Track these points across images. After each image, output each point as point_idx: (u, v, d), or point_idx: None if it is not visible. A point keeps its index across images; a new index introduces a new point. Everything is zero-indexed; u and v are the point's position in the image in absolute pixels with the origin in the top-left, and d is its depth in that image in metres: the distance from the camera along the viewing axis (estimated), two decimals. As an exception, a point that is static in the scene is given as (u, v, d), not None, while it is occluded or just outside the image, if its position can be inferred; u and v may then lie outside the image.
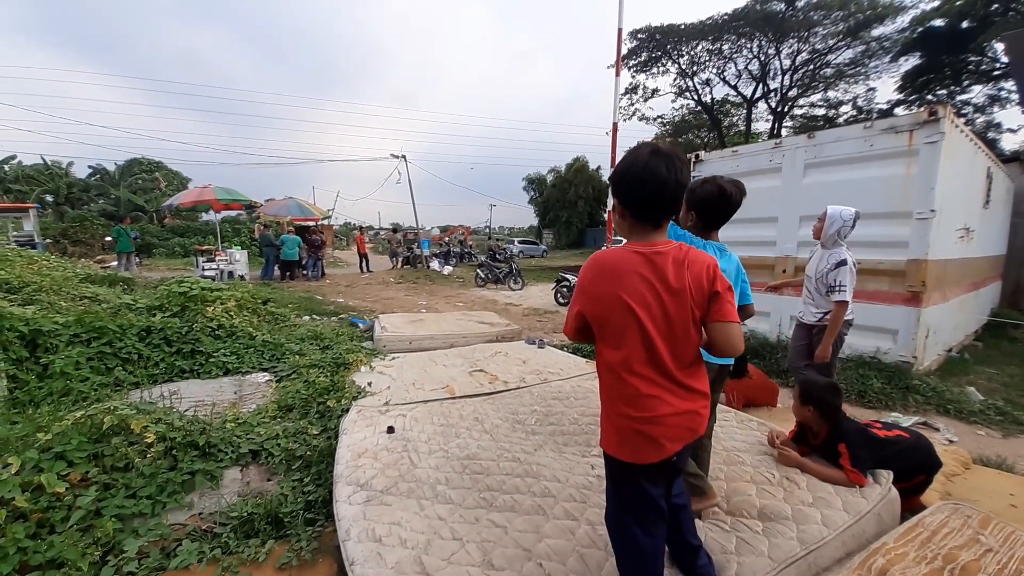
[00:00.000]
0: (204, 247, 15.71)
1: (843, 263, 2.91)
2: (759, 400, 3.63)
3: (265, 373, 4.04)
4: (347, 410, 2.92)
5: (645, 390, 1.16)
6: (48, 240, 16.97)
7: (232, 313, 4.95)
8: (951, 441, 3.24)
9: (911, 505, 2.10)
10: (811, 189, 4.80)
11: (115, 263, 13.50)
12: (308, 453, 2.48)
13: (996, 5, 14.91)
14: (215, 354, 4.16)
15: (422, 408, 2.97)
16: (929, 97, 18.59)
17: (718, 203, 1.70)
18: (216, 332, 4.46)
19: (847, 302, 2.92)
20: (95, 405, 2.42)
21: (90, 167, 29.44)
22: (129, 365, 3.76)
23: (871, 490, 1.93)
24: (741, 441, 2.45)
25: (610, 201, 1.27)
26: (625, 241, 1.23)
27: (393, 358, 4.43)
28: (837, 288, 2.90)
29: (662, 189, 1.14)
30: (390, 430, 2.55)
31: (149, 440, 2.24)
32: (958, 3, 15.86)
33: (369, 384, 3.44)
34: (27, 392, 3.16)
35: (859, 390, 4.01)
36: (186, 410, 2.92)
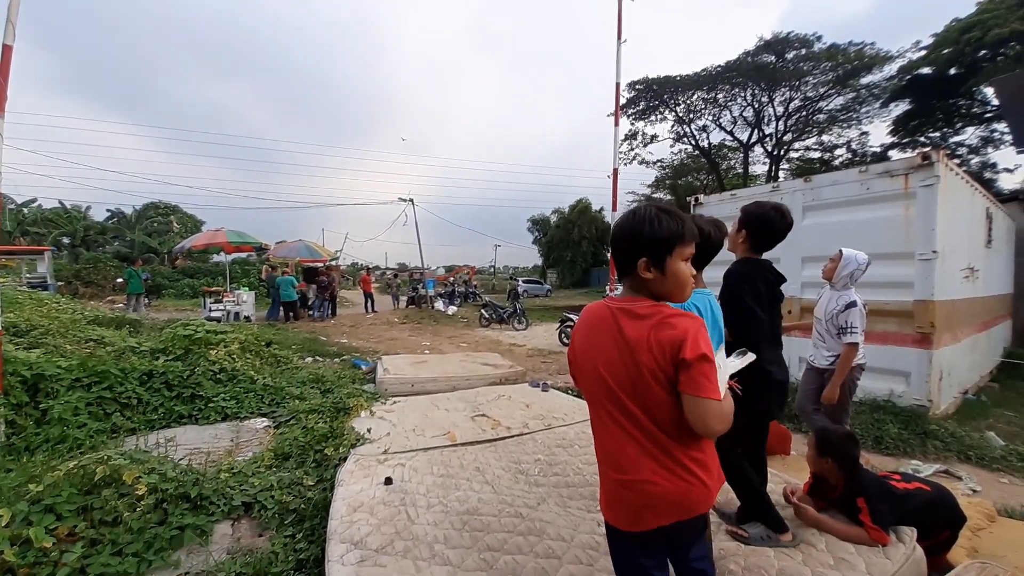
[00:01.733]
0: (212, 288, 15.92)
1: (853, 304, 2.89)
2: (773, 448, 3.49)
3: (264, 418, 3.97)
4: (345, 459, 2.84)
5: (622, 449, 1.13)
6: (60, 282, 17.27)
7: (235, 356, 4.93)
8: (975, 491, 3.09)
9: (938, 564, 1.97)
10: (811, 231, 4.84)
11: (124, 304, 13.66)
12: (302, 506, 2.39)
13: (984, 51, 15.48)
14: (215, 399, 4.12)
15: (422, 456, 2.89)
16: (922, 140, 19.07)
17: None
18: (218, 376, 4.43)
19: (858, 344, 2.87)
20: (89, 455, 2.37)
21: (108, 210, 30.49)
22: (128, 410, 3.72)
23: (895, 550, 1.81)
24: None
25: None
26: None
27: (394, 402, 4.35)
28: (848, 330, 2.87)
29: (617, 244, 1.18)
30: (388, 481, 2.47)
31: (140, 492, 2.18)
32: (945, 51, 16.53)
33: (368, 430, 3.36)
34: (24, 438, 3.12)
35: (875, 436, 3.87)
36: (181, 459, 2.86)
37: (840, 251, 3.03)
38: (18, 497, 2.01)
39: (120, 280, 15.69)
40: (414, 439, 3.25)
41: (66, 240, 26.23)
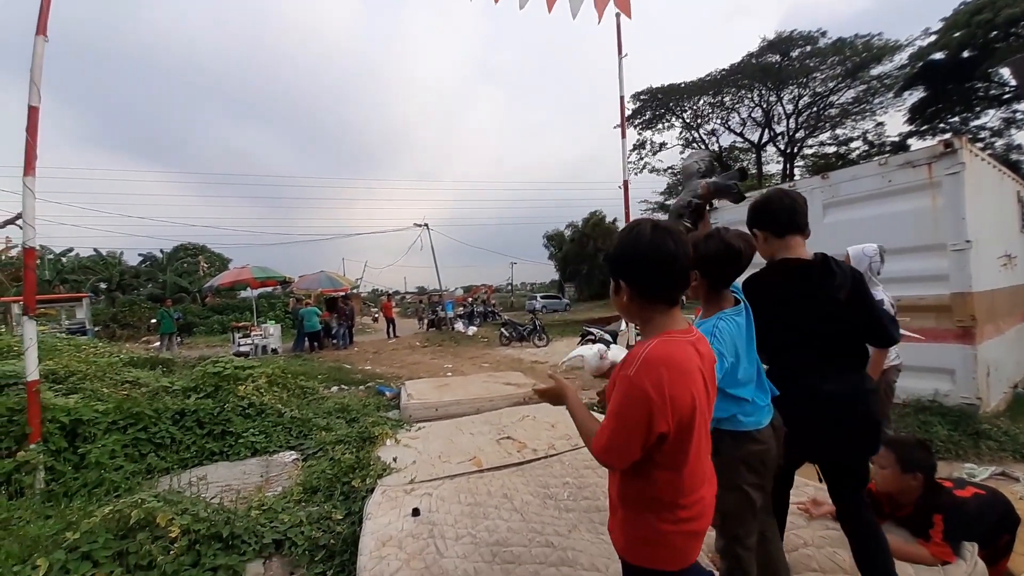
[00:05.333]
0: (241, 324, 16.37)
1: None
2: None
3: (292, 452, 4.01)
4: (372, 490, 2.83)
5: (698, 485, 1.08)
6: (98, 327, 18.02)
7: (263, 390, 5.02)
8: (1035, 492, 2.87)
9: (998, 572, 1.83)
10: (835, 228, 4.70)
11: (158, 343, 14.15)
12: (332, 542, 2.38)
13: (996, 32, 15.09)
14: (244, 434, 4.18)
15: (448, 485, 2.85)
16: (942, 126, 18.54)
17: (725, 261, 1.52)
18: (247, 411, 4.51)
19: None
20: (124, 499, 2.42)
21: (140, 255, 31.86)
22: (162, 450, 3.80)
23: (956, 568, 1.69)
24: (799, 516, 2.22)
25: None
26: (624, 323, 1.19)
27: (419, 428, 4.34)
28: None
29: (671, 264, 1.04)
30: (415, 512, 2.44)
31: (174, 534, 2.20)
32: (956, 35, 16.19)
33: (394, 459, 3.35)
34: (63, 484, 3.20)
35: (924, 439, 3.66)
36: (213, 497, 2.90)
37: (846, 252, 2.90)
38: (56, 545, 2.05)
39: (154, 321, 16.28)
40: (440, 466, 3.22)
41: (103, 285, 27.43)
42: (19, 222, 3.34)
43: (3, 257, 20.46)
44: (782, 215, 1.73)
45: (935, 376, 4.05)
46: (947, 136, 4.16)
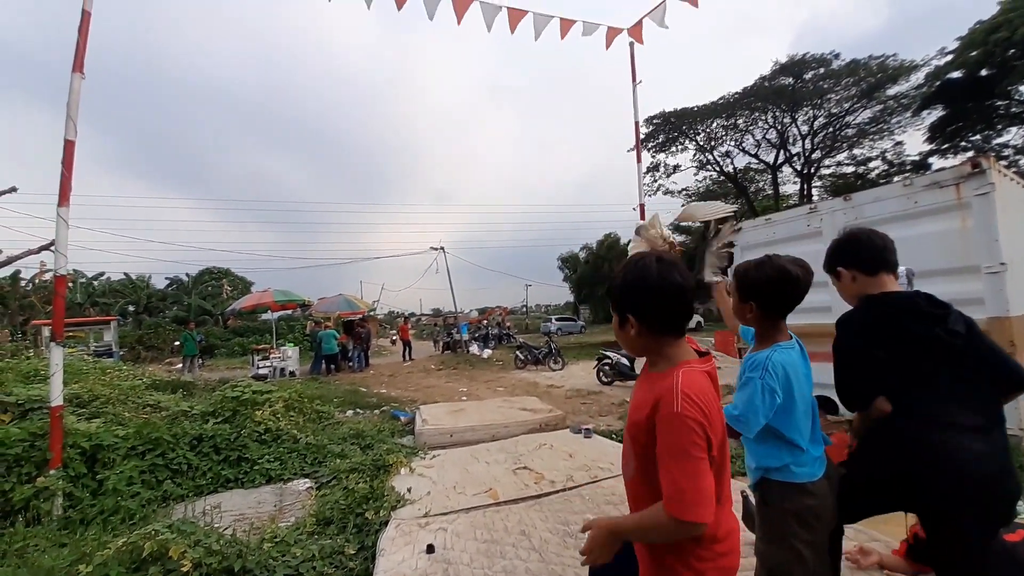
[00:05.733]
0: (260, 346, 16.61)
1: None
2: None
3: (306, 479, 3.96)
4: (385, 523, 2.76)
5: (729, 517, 1.09)
6: (124, 349, 18.47)
7: (279, 415, 5.02)
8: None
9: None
10: (858, 251, 4.57)
11: (180, 365, 14.42)
12: (344, 578, 2.31)
13: (1013, 50, 14.92)
14: (259, 460, 4.16)
15: (464, 519, 2.76)
16: (962, 144, 18.20)
17: (781, 287, 1.42)
18: (263, 437, 4.50)
19: None
20: (138, 530, 2.40)
21: (167, 278, 32.90)
22: (178, 476, 3.80)
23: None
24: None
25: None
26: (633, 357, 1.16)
27: (434, 455, 4.27)
28: None
29: (681, 296, 1.06)
30: (430, 549, 2.36)
31: (185, 568, 2.17)
32: (973, 54, 16.04)
33: (409, 490, 3.28)
34: (80, 511, 3.21)
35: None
36: (226, 527, 2.86)
37: None
38: (70, 578, 2.04)
39: (177, 343, 16.64)
40: (455, 498, 3.13)
41: (131, 308, 28.32)
42: (52, 248, 3.48)
43: (37, 280, 21.34)
44: (874, 252, 1.62)
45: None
46: (971, 155, 4.06)
